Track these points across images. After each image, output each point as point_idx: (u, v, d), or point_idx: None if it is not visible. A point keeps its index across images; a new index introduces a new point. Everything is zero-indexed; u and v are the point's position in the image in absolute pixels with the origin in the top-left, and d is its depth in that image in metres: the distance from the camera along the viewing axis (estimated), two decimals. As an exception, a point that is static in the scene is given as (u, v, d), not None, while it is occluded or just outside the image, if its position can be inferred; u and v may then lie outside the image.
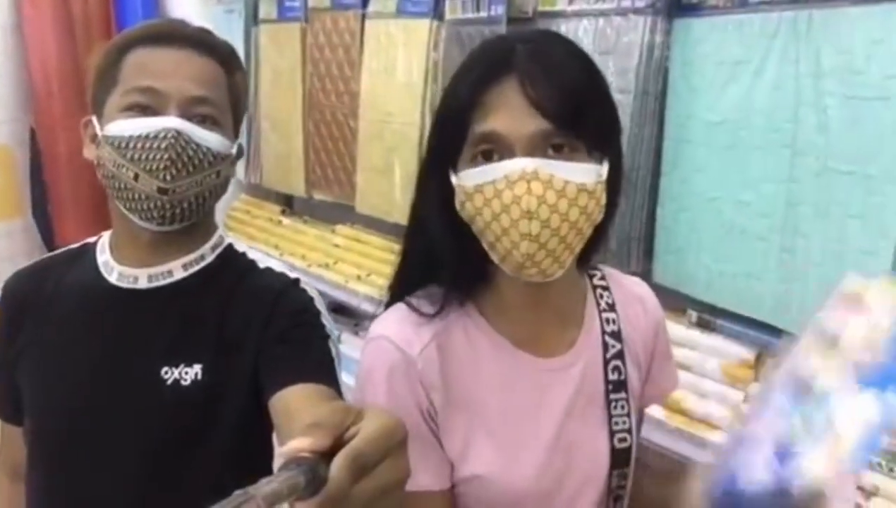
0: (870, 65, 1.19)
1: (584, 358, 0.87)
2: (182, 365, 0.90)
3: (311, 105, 2.35)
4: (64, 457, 0.92)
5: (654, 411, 1.42)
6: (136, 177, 0.87)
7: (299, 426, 0.46)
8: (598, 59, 0.81)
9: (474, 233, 0.80)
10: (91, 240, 1.02)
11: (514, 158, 0.74)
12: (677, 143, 1.49)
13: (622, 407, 0.88)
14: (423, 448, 0.81)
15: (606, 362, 0.88)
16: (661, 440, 1.41)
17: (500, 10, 1.72)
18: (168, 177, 0.87)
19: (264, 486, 0.40)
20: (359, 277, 2.13)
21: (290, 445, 0.44)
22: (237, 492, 0.39)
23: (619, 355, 0.89)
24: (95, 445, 0.90)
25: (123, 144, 0.88)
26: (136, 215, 0.90)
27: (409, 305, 0.85)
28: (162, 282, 0.94)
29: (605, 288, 0.92)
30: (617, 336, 0.89)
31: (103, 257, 0.97)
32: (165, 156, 0.86)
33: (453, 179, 0.79)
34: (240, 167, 1.90)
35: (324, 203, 2.40)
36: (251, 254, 1.01)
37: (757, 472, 0.46)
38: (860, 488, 1.16)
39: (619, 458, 0.87)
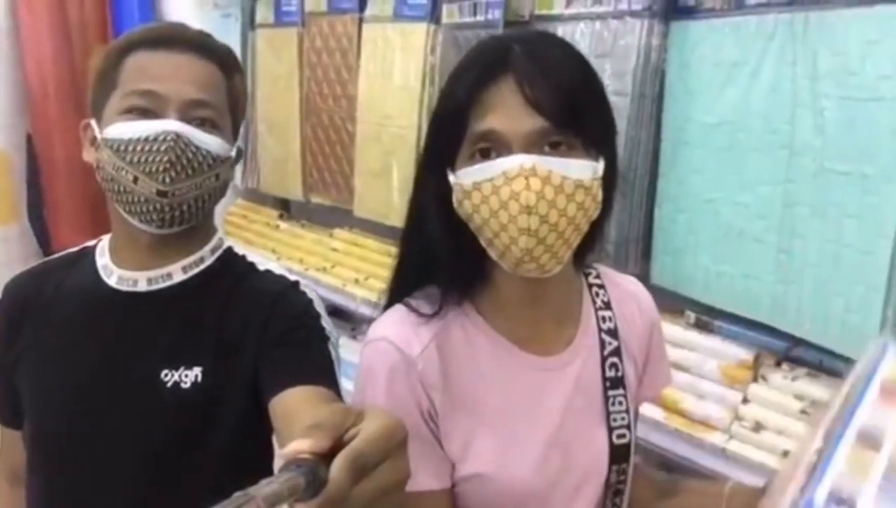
0: (865, 66, 1.19)
1: (582, 355, 0.88)
2: (182, 368, 0.90)
3: (308, 109, 2.35)
4: (64, 461, 0.91)
5: (653, 412, 1.43)
6: (136, 179, 0.87)
7: (299, 428, 0.47)
8: (595, 62, 0.82)
9: (471, 232, 0.80)
10: (90, 243, 1.02)
11: (511, 155, 0.74)
12: (675, 145, 1.50)
13: (620, 403, 0.89)
14: (423, 448, 0.81)
15: (604, 359, 0.89)
16: (660, 441, 1.42)
17: (496, 13, 1.72)
18: (167, 180, 0.87)
19: (264, 487, 0.40)
20: (357, 281, 2.13)
21: (290, 446, 0.44)
22: (237, 494, 0.40)
23: (616, 352, 0.90)
24: (95, 448, 0.90)
25: (123, 147, 0.88)
26: (136, 218, 0.90)
27: (408, 306, 0.85)
28: (161, 285, 0.94)
29: (601, 287, 0.93)
30: (613, 333, 0.90)
31: (103, 260, 0.97)
32: (165, 159, 0.86)
33: (451, 178, 0.79)
34: (237, 172, 1.90)
35: (321, 207, 2.40)
36: (250, 257, 1.01)
37: None
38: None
39: (618, 454, 0.88)
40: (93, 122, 0.94)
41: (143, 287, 0.93)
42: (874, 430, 0.49)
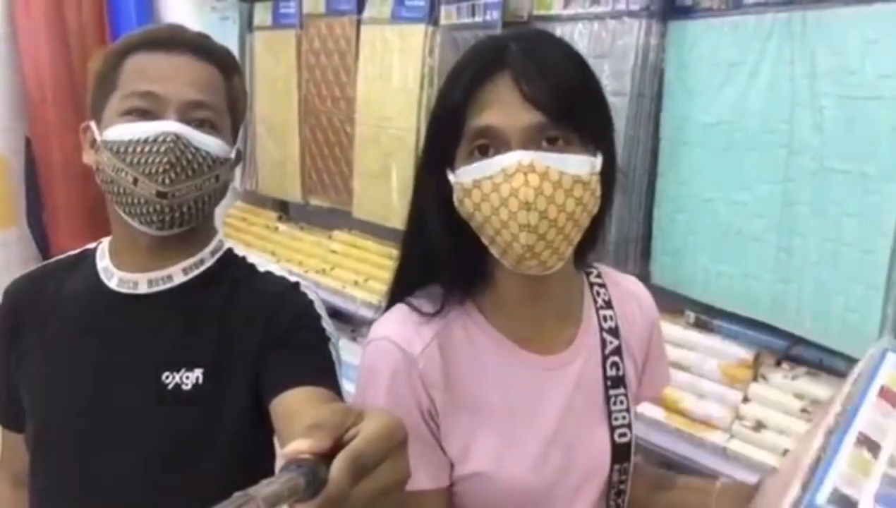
0: (864, 65, 1.20)
1: (583, 355, 0.88)
2: (183, 370, 0.90)
3: (306, 111, 2.35)
4: (65, 463, 0.91)
5: (654, 412, 1.43)
6: (136, 181, 0.87)
7: (300, 428, 0.47)
8: (593, 63, 0.83)
9: (472, 232, 0.80)
10: (91, 245, 1.02)
11: (509, 152, 0.75)
12: (673, 145, 1.50)
13: (621, 402, 0.89)
14: (422, 448, 0.81)
15: (605, 358, 0.89)
16: (661, 441, 1.42)
17: (495, 14, 1.72)
18: (167, 181, 0.87)
19: (264, 487, 0.40)
20: (356, 283, 2.13)
21: (290, 446, 0.44)
22: (237, 494, 0.40)
23: (617, 351, 0.90)
24: (96, 450, 0.90)
25: (122, 149, 0.88)
26: (136, 219, 0.89)
27: (410, 305, 0.85)
28: (162, 287, 0.94)
29: (602, 285, 0.93)
30: (614, 332, 0.90)
31: (103, 263, 0.97)
32: (164, 160, 0.86)
33: (451, 177, 0.80)
34: (235, 174, 1.90)
35: (320, 209, 2.40)
36: (251, 259, 1.01)
37: None
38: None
39: (619, 453, 0.88)
40: (92, 124, 0.94)
41: (143, 289, 0.93)
42: (874, 433, 0.48)
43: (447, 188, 0.80)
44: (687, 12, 1.46)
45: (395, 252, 0.91)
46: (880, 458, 0.48)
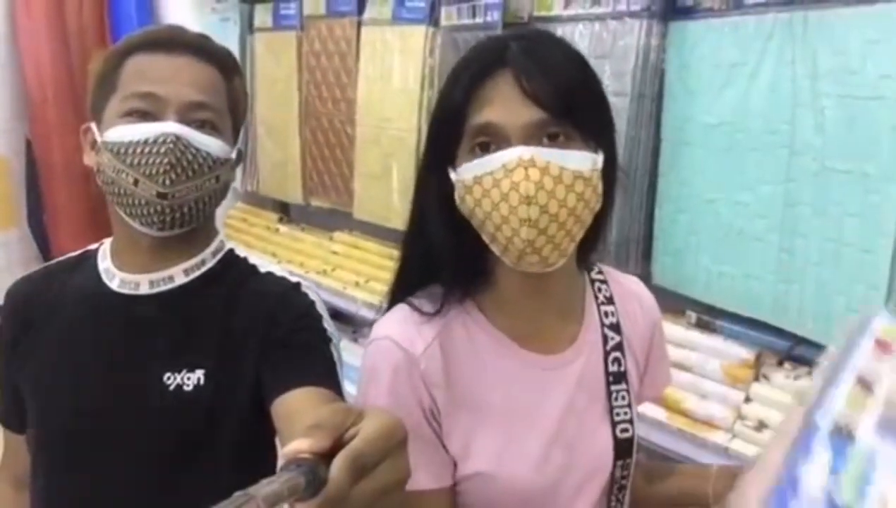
0: (865, 65, 1.20)
1: (585, 353, 0.88)
2: (184, 371, 0.89)
3: (307, 112, 2.35)
4: (66, 464, 0.91)
5: (656, 412, 1.43)
6: (136, 182, 0.87)
7: (300, 428, 0.47)
8: (594, 63, 0.83)
9: (473, 231, 0.81)
10: (92, 247, 1.01)
11: (511, 148, 0.75)
12: (675, 146, 1.50)
13: (623, 398, 0.89)
14: (424, 447, 0.81)
15: (606, 354, 0.89)
16: (663, 441, 1.42)
17: (495, 15, 1.73)
18: (167, 182, 0.87)
19: (264, 487, 0.40)
20: (357, 284, 2.13)
21: (290, 446, 0.44)
22: (237, 493, 0.40)
23: (619, 346, 0.90)
24: (98, 451, 0.90)
25: (123, 150, 0.88)
26: (137, 221, 0.89)
27: (411, 305, 0.85)
28: (163, 288, 0.93)
29: (604, 282, 0.93)
30: (616, 328, 0.90)
31: (104, 264, 0.96)
32: (165, 161, 0.86)
33: (452, 175, 0.80)
34: (236, 175, 1.90)
35: (321, 210, 2.40)
36: (252, 259, 1.01)
37: None
38: None
39: (621, 449, 0.88)
40: (93, 126, 0.94)
41: (144, 290, 0.93)
42: (869, 376, 0.50)
43: (448, 187, 0.81)
44: (688, 13, 1.46)
45: (395, 253, 0.91)
46: (877, 395, 0.49)
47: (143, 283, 0.93)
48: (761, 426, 1.33)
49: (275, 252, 2.42)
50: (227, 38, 2.49)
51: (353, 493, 0.44)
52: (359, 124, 2.15)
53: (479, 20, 1.78)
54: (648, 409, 1.40)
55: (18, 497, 1.02)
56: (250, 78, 2.51)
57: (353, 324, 2.22)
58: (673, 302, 1.51)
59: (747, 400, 1.38)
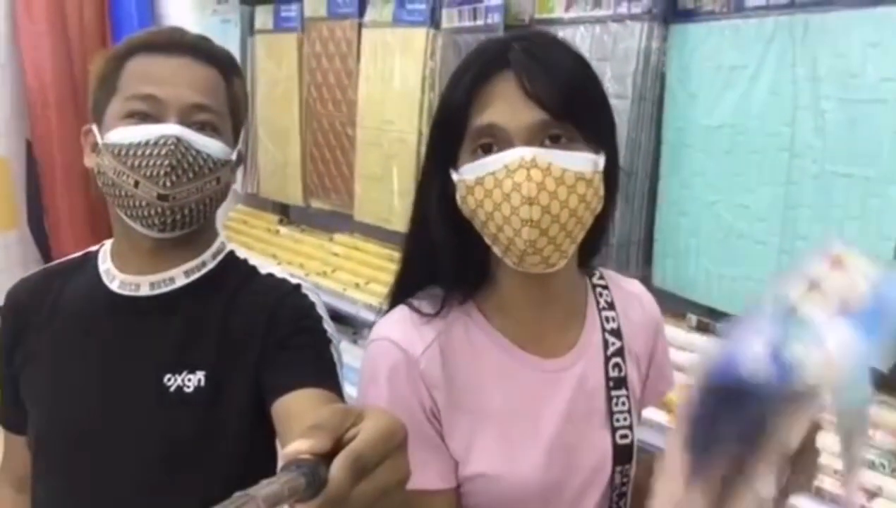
0: (866, 68, 1.20)
1: (586, 358, 0.88)
2: (185, 372, 0.89)
3: (308, 114, 2.36)
4: (67, 465, 0.91)
5: (657, 415, 1.42)
6: (137, 184, 0.87)
7: (300, 429, 0.47)
8: (595, 66, 0.83)
9: (475, 232, 0.81)
10: (93, 248, 1.01)
11: (512, 148, 0.75)
12: (675, 148, 1.50)
13: (623, 404, 0.88)
14: (427, 447, 0.81)
15: (607, 359, 0.89)
16: (665, 444, 1.41)
17: (496, 17, 1.73)
18: (168, 184, 0.87)
19: (265, 487, 0.40)
20: (357, 285, 2.13)
21: (290, 447, 0.44)
22: (237, 494, 0.40)
23: (619, 352, 0.90)
24: (98, 452, 0.90)
25: (123, 152, 0.88)
26: (137, 222, 0.89)
27: (411, 306, 0.85)
28: (164, 290, 0.93)
29: (605, 287, 0.93)
30: (617, 333, 0.90)
31: (105, 265, 0.96)
32: (165, 163, 0.86)
33: (454, 176, 0.80)
34: (237, 176, 1.91)
35: (321, 211, 2.40)
36: (252, 261, 1.01)
37: (756, 364, 0.47)
38: (863, 489, 1.16)
39: (621, 455, 0.87)
40: (93, 127, 0.94)
41: (145, 291, 0.93)
42: (819, 280, 0.52)
43: (450, 188, 0.81)
44: (688, 15, 1.46)
45: (396, 254, 0.91)
46: (825, 289, 0.51)
47: (143, 285, 0.93)
48: (762, 428, 1.32)
49: (275, 253, 2.42)
50: (228, 39, 2.50)
51: (353, 494, 0.44)
52: (359, 126, 2.15)
53: (479, 22, 1.78)
54: (651, 413, 1.39)
55: (20, 498, 1.02)
56: (251, 80, 2.51)
57: (353, 326, 2.22)
58: (673, 305, 1.51)
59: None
